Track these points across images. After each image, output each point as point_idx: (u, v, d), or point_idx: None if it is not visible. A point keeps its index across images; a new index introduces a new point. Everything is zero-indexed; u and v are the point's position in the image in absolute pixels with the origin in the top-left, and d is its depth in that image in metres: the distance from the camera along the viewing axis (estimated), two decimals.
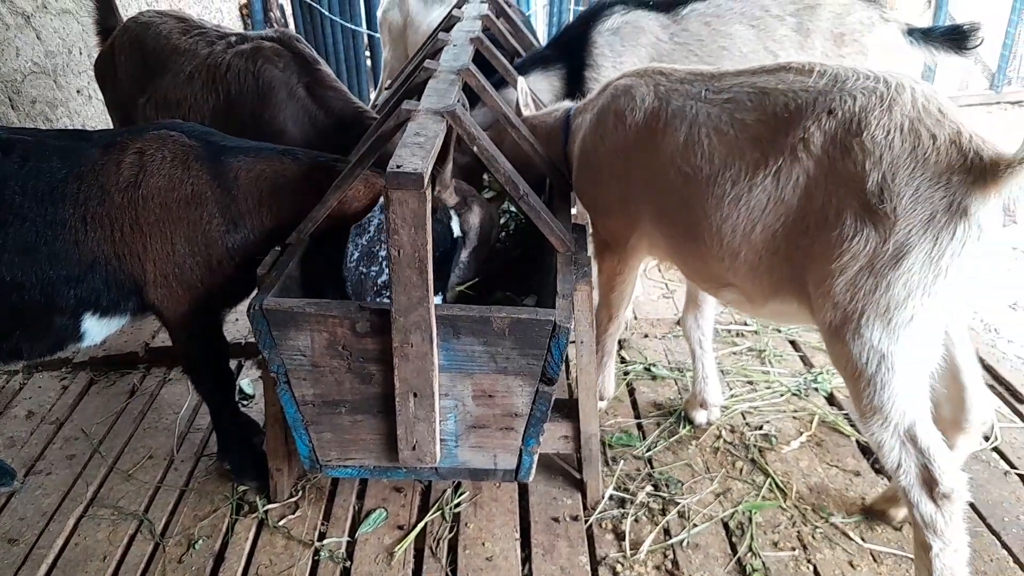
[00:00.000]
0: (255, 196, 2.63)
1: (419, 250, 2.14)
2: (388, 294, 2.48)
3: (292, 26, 8.57)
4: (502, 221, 3.47)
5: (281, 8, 8.56)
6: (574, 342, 2.64)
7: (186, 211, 2.56)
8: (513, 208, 3.53)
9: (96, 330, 2.68)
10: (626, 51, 3.52)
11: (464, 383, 2.41)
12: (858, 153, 2.08)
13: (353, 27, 8.25)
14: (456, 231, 2.72)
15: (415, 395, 2.37)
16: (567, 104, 3.18)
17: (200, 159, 2.59)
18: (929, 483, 2.14)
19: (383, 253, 2.49)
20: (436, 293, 2.73)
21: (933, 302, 2.03)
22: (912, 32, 3.44)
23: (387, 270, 2.44)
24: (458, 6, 4.10)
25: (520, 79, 3.28)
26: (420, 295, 2.21)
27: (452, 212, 2.74)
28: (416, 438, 2.45)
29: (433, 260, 2.13)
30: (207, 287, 2.66)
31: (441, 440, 2.50)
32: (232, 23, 8.18)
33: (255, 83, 3.41)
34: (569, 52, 3.65)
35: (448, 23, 3.72)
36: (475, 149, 2.50)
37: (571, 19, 8.66)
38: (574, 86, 3.60)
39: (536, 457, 2.57)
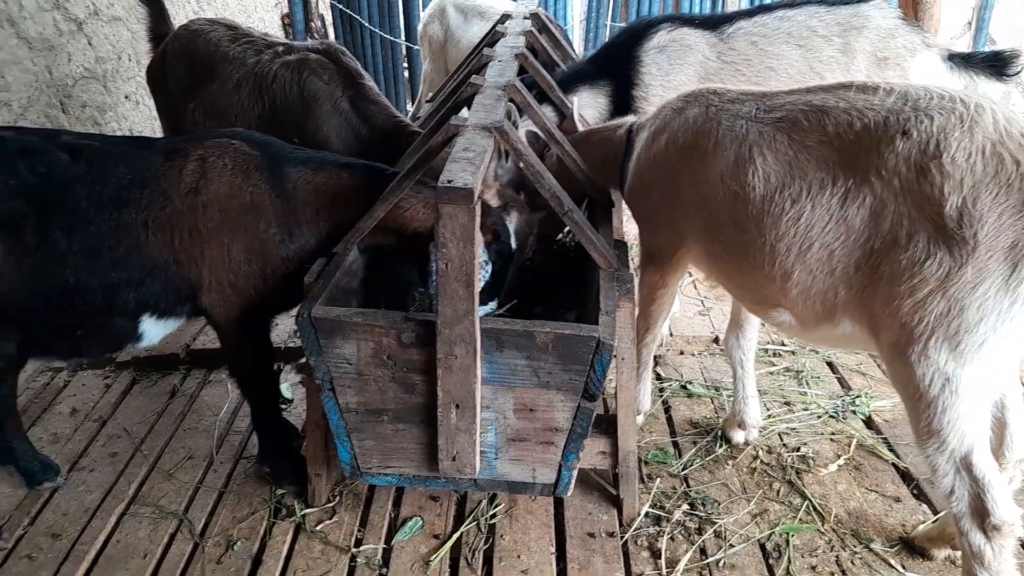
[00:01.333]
0: (312, 207, 2.68)
1: (467, 264, 2.17)
2: None
3: (332, 36, 8.70)
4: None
5: (322, 18, 8.70)
6: (614, 358, 2.65)
7: (244, 219, 2.61)
8: None
9: (153, 331, 2.74)
10: (673, 70, 3.53)
11: (506, 396, 2.43)
12: (936, 176, 2.02)
13: (392, 39, 8.35)
14: (513, 241, 2.76)
15: (457, 406, 2.39)
16: (631, 119, 3.18)
17: (260, 168, 2.64)
18: (981, 513, 2.12)
19: None
20: (491, 299, 2.77)
21: (1005, 329, 2.00)
22: (952, 58, 3.43)
23: None
24: (501, 21, 4.14)
25: (574, 97, 3.31)
26: (466, 308, 2.23)
27: (508, 222, 2.77)
28: (457, 449, 2.47)
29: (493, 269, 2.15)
30: (260, 294, 2.71)
31: (481, 452, 2.52)
32: (273, 33, 8.32)
33: (300, 94, 3.48)
34: (615, 70, 3.66)
35: (492, 38, 3.76)
36: (521, 165, 2.53)
37: (607, 34, 8.70)
38: (620, 104, 3.61)
39: (575, 472, 2.58)
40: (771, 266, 2.39)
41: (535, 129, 3.07)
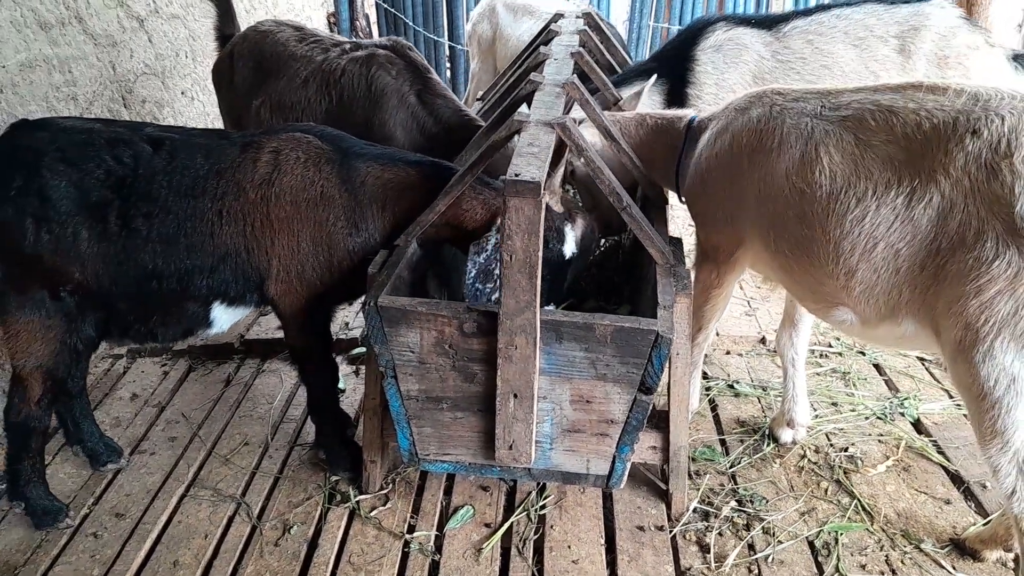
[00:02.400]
0: (379, 202, 2.75)
1: (531, 256, 2.22)
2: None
3: (376, 35, 8.81)
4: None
5: (367, 17, 8.82)
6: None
7: (314, 211, 2.69)
8: None
9: (224, 318, 2.84)
10: (729, 68, 3.55)
11: (563, 387, 2.48)
12: (1007, 175, 2.03)
13: (435, 38, 8.45)
14: (572, 246, 2.79)
15: (516, 396, 2.45)
16: (690, 112, 3.18)
17: (331, 162, 2.72)
18: None
19: (498, 271, 2.56)
20: (549, 303, 2.81)
21: None
22: (1018, 58, 3.40)
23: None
24: (553, 20, 4.19)
25: (644, 89, 3.33)
26: (528, 299, 2.29)
27: (567, 227, 2.81)
28: (513, 438, 2.52)
29: (551, 272, 2.20)
30: (325, 285, 2.78)
31: (536, 442, 2.57)
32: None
33: (368, 88, 3.55)
34: (671, 68, 3.69)
35: (547, 37, 3.81)
36: (582, 161, 2.58)
37: (650, 35, 8.72)
38: (674, 102, 3.64)
39: (628, 465, 2.62)
40: (835, 264, 2.40)
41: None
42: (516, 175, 2.15)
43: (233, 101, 4.09)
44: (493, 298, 2.54)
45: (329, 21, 8.77)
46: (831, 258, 2.38)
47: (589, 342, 2.38)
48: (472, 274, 2.52)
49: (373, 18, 8.80)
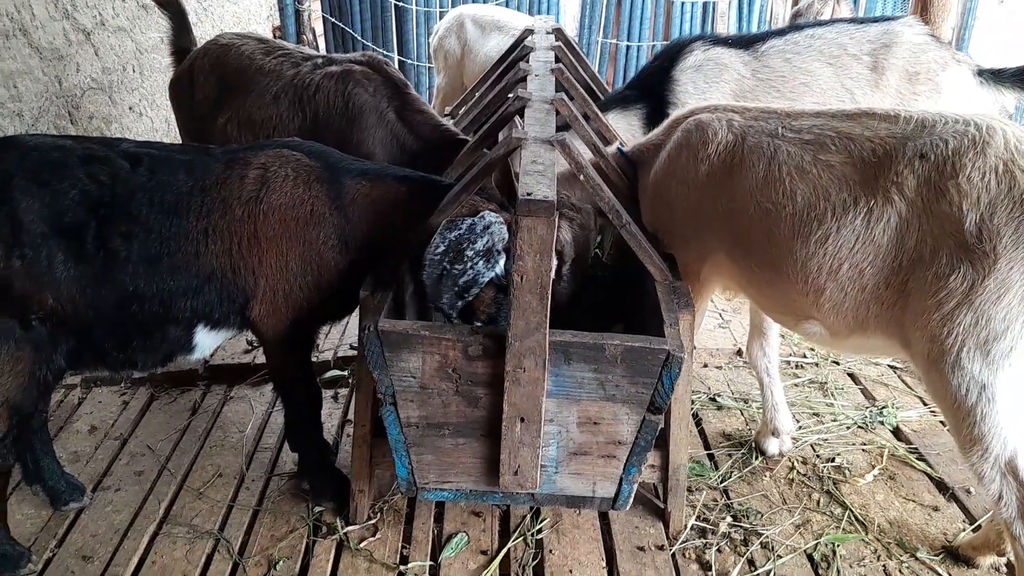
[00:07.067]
0: (369, 220, 2.65)
1: (542, 276, 2.17)
2: (469, 296, 2.49)
3: (323, 49, 8.65)
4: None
5: (313, 32, 8.64)
6: None
7: (303, 230, 2.57)
8: None
9: (206, 342, 2.69)
10: (710, 88, 3.58)
11: (570, 409, 2.42)
12: (954, 195, 2.16)
13: (385, 52, 8.33)
14: (568, 250, 2.75)
15: (522, 420, 2.38)
16: (614, 145, 3.20)
17: (321, 180, 2.61)
18: None
19: (470, 253, 2.47)
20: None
21: None
22: (982, 73, 3.52)
23: (472, 272, 2.45)
24: (525, 36, 4.15)
25: (608, 115, 3.33)
26: (538, 321, 2.23)
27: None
28: (519, 463, 2.45)
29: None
30: (311, 305, 2.67)
31: (541, 466, 2.50)
32: None
33: (344, 106, 3.45)
34: (649, 91, 3.70)
35: (521, 53, 3.78)
36: (581, 178, 2.54)
37: (598, 51, 8.80)
38: (655, 125, 3.64)
39: (635, 487, 2.57)
40: (804, 282, 2.47)
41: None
42: (528, 194, 2.09)
43: (195, 117, 3.92)
44: (461, 282, 2.45)
45: (275, 35, 8.57)
46: (800, 276, 2.46)
47: (598, 362, 2.33)
48: (440, 249, 2.42)
49: (320, 31, 8.63)
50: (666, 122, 3.03)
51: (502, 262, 2.50)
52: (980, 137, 2.18)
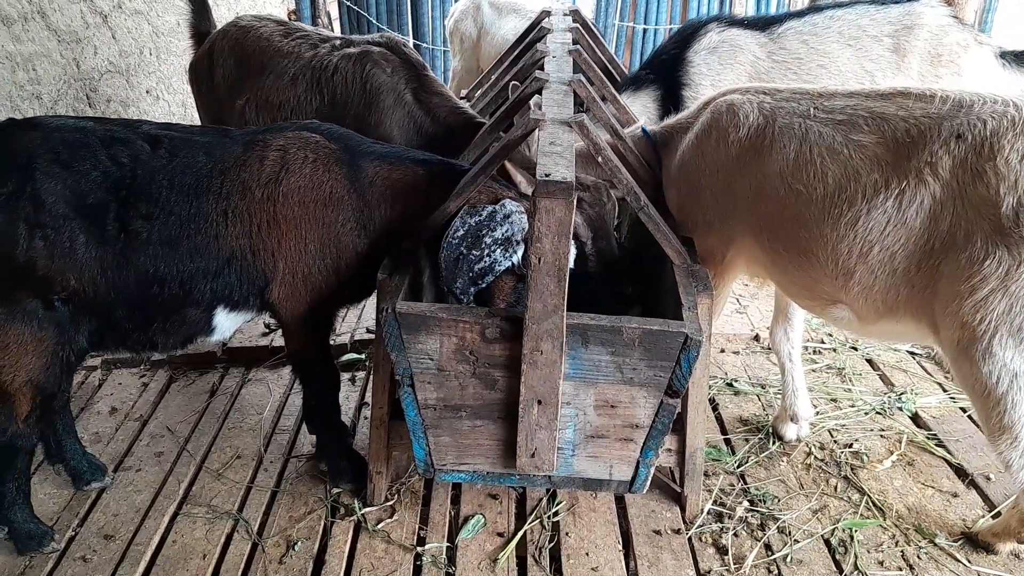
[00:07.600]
0: (388, 203, 2.65)
1: (560, 259, 2.16)
2: (482, 284, 2.49)
3: (338, 32, 8.63)
4: None
5: (328, 15, 8.62)
6: None
7: (323, 212, 2.58)
8: None
9: (226, 324, 2.70)
10: (724, 70, 3.54)
11: (587, 392, 2.42)
12: (991, 177, 2.09)
13: (400, 36, 8.30)
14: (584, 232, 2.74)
15: (539, 402, 2.38)
16: (639, 123, 3.16)
17: (340, 162, 2.61)
18: None
19: (488, 240, 2.48)
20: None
21: None
22: (1005, 55, 3.47)
23: (489, 259, 2.45)
24: (542, 17, 4.12)
25: (621, 97, 3.30)
26: (556, 303, 2.22)
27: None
28: (536, 445, 2.45)
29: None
30: (329, 287, 2.67)
31: (558, 448, 2.50)
32: None
33: (362, 87, 3.44)
34: (664, 73, 3.67)
35: (539, 34, 3.75)
36: (599, 160, 2.52)
37: (615, 35, 8.73)
38: (669, 106, 3.61)
39: (652, 470, 2.57)
40: (833, 265, 2.42)
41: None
42: (547, 175, 2.08)
43: (214, 100, 3.93)
44: (477, 268, 2.45)
45: (290, 18, 8.56)
46: (829, 259, 2.42)
47: (616, 345, 2.32)
48: (459, 233, 2.42)
49: (335, 15, 8.61)
50: (695, 104, 2.99)
51: (520, 252, 2.50)
52: (1020, 117, 2.11)
